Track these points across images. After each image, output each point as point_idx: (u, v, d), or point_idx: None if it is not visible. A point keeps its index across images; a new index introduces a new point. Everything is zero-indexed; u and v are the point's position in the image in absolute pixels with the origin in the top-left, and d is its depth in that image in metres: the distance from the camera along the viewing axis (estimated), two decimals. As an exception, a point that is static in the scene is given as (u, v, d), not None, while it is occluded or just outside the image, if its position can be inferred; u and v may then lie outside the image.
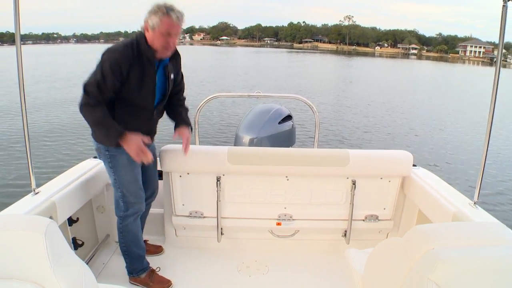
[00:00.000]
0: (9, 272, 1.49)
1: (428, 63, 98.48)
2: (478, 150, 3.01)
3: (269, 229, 3.64)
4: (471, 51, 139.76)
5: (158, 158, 3.41)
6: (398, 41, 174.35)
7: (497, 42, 2.79)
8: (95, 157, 3.69)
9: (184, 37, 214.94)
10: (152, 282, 3.17)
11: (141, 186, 3.05)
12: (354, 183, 3.47)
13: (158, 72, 2.83)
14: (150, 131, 3.02)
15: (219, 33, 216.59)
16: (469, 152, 12.59)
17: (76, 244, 3.27)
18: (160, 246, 3.66)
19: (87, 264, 3.05)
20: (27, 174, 2.90)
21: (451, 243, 1.57)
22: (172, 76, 2.97)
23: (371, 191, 3.55)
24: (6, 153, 10.54)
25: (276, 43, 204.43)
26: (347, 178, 3.49)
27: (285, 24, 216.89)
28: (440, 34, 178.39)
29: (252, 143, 4.40)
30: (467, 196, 3.14)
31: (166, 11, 2.61)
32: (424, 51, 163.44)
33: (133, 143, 2.67)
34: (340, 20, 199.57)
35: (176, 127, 3.13)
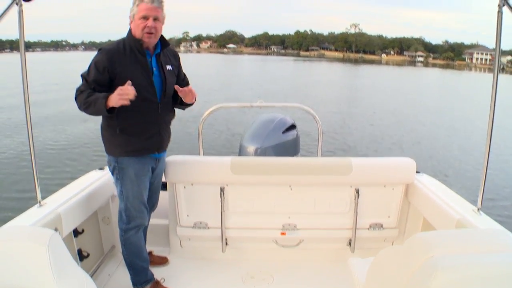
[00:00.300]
0: (12, 283, 1.50)
1: (435, 71, 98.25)
2: (482, 156, 3.00)
3: (274, 239, 3.64)
4: (477, 58, 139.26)
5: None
6: (404, 49, 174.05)
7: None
8: (100, 169, 3.73)
9: (192, 45, 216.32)
10: (157, 293, 3.19)
11: (144, 202, 3.08)
12: (357, 191, 3.46)
13: (153, 62, 2.92)
14: (158, 131, 3.01)
15: (226, 41, 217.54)
16: (474, 157, 12.54)
17: (81, 256, 3.28)
18: (165, 257, 3.66)
19: (92, 275, 3.07)
20: (32, 186, 2.93)
21: (452, 250, 1.56)
22: (168, 67, 3.01)
23: (375, 199, 3.54)
24: (12, 165, 10.60)
25: (283, 51, 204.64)
26: (351, 186, 3.48)
27: (292, 32, 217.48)
28: (446, 41, 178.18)
29: (256, 152, 4.41)
30: (471, 202, 3.13)
31: None
32: (431, 58, 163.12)
33: (115, 94, 2.64)
34: (346, 28, 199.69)
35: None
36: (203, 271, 3.54)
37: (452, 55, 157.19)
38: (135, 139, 2.89)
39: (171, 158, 3.43)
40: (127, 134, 2.83)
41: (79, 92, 2.78)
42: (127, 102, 2.62)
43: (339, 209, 3.56)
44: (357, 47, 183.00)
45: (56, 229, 2.69)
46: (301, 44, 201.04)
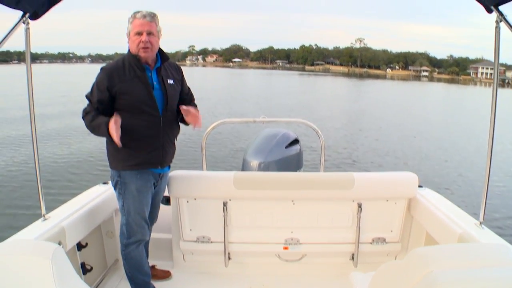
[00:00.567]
0: None
1: (440, 85, 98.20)
2: (483, 171, 3.03)
3: (276, 253, 3.64)
4: (482, 73, 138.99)
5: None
6: (409, 63, 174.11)
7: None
8: (104, 183, 3.76)
9: (197, 59, 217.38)
10: (159, 307, 3.21)
11: (145, 217, 3.11)
12: (360, 205, 3.48)
13: (153, 76, 2.98)
14: (161, 145, 3.04)
15: (232, 55, 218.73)
16: (476, 171, 12.51)
17: (84, 269, 3.30)
18: (168, 271, 3.67)
19: None
20: (37, 200, 2.97)
21: (452, 265, 1.57)
22: (169, 81, 3.06)
23: (377, 214, 3.55)
24: (17, 179, 10.64)
25: (288, 65, 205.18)
26: (353, 201, 3.50)
27: (297, 47, 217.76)
28: (451, 56, 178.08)
29: (259, 167, 4.43)
30: (474, 216, 3.15)
31: (133, 15, 2.88)
32: (436, 73, 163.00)
33: (109, 126, 2.73)
34: (351, 43, 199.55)
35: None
36: (206, 285, 3.55)
37: (457, 69, 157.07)
38: (137, 153, 2.93)
39: (175, 173, 3.46)
40: (130, 148, 2.87)
41: (85, 113, 2.92)
42: (116, 138, 2.71)
43: (341, 224, 3.57)
44: (362, 62, 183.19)
45: (60, 243, 2.73)
46: (306, 59, 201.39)
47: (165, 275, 3.63)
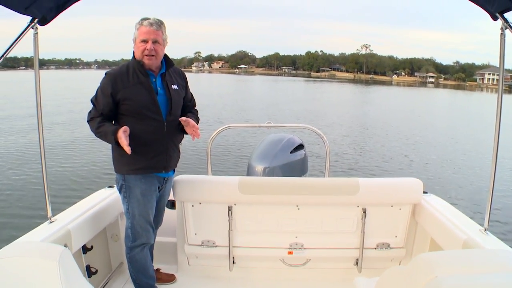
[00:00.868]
0: None
1: (446, 92, 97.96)
2: (489, 177, 3.03)
3: (281, 258, 3.65)
4: (489, 79, 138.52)
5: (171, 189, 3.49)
6: (415, 70, 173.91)
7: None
8: (110, 187, 3.80)
9: (203, 65, 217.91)
10: (163, 310, 3.23)
11: (150, 221, 3.14)
12: (364, 211, 3.48)
13: (157, 82, 3.02)
14: (165, 150, 3.07)
15: (238, 62, 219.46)
16: (481, 177, 12.44)
17: (89, 272, 3.32)
18: (173, 275, 3.68)
19: None
20: (43, 202, 3.01)
21: (456, 271, 1.57)
22: (174, 86, 3.09)
23: (382, 219, 3.54)
24: (24, 182, 10.76)
25: (294, 71, 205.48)
26: (358, 206, 3.50)
27: (303, 53, 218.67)
28: (457, 62, 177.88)
29: (264, 172, 4.44)
30: (478, 222, 3.14)
31: (140, 21, 2.91)
32: (442, 79, 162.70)
33: (117, 137, 2.78)
34: (357, 49, 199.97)
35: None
36: None
37: (463, 75, 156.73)
38: (141, 158, 2.96)
39: (180, 177, 3.48)
40: (134, 153, 2.87)
41: (90, 117, 2.97)
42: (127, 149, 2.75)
43: (346, 229, 3.57)
44: (368, 68, 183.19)
45: (65, 245, 2.74)
46: (312, 65, 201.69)
47: (169, 278, 3.64)
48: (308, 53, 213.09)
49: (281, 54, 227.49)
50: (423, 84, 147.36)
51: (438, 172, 13.44)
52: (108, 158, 3.14)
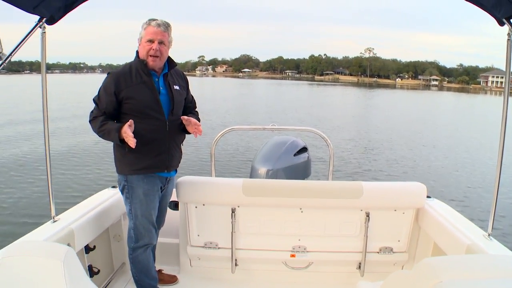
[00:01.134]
0: None
1: (450, 94, 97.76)
2: (494, 181, 3.01)
3: (283, 260, 3.64)
4: (493, 82, 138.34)
5: (174, 189, 3.49)
6: (419, 73, 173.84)
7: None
8: (113, 187, 3.81)
9: (207, 69, 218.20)
10: (165, 311, 3.23)
11: (153, 221, 3.14)
12: (368, 215, 3.47)
13: (160, 82, 3.04)
14: (167, 149, 3.08)
15: (241, 65, 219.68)
16: (485, 182, 12.39)
17: (92, 272, 3.33)
18: (175, 276, 3.68)
19: None
20: (47, 202, 3.03)
21: (460, 276, 1.57)
22: (175, 87, 3.11)
23: (385, 223, 3.53)
24: (28, 181, 10.88)
25: (298, 75, 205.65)
26: (361, 210, 3.49)
27: (306, 57, 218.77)
28: (461, 65, 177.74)
29: (268, 174, 4.44)
30: (482, 227, 3.13)
31: (148, 22, 2.93)
32: (446, 82, 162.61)
33: (122, 131, 2.79)
34: (360, 53, 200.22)
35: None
36: None
37: (467, 78, 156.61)
38: (144, 157, 2.96)
39: (184, 179, 3.49)
40: (136, 153, 2.89)
41: (92, 116, 2.98)
42: (131, 145, 2.75)
43: (349, 232, 3.56)
44: (371, 71, 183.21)
45: (68, 245, 2.75)
46: (315, 69, 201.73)
47: (171, 279, 3.64)
48: (311, 56, 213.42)
49: (284, 57, 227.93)
50: (427, 87, 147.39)
51: (442, 176, 13.40)
52: (111, 158, 3.15)
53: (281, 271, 3.67)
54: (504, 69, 2.86)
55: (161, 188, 3.17)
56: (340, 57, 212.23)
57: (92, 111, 2.99)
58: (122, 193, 3.10)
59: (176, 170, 3.31)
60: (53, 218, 3.01)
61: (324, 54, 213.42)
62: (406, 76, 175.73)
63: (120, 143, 2.85)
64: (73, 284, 1.57)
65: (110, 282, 3.57)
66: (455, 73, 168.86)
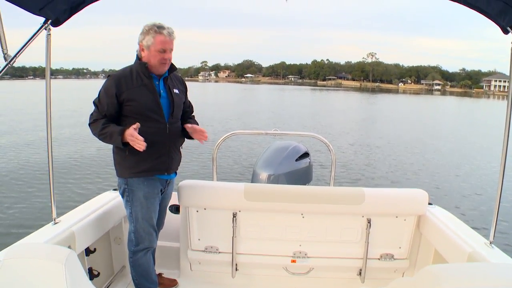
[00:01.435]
0: None
1: (452, 99, 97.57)
2: (495, 188, 3.00)
3: (284, 266, 3.63)
4: (495, 86, 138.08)
5: (175, 193, 3.51)
6: (421, 77, 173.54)
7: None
8: (114, 190, 3.81)
9: (210, 74, 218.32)
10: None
11: (153, 224, 3.15)
12: (369, 221, 3.46)
13: (160, 85, 3.05)
14: (167, 152, 3.09)
15: (244, 71, 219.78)
16: (488, 190, 12.30)
17: (92, 275, 3.34)
18: (175, 280, 3.68)
19: None
20: (48, 204, 3.04)
21: (462, 284, 1.57)
22: (175, 90, 3.14)
23: (386, 230, 3.53)
24: (30, 183, 10.96)
25: (300, 80, 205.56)
26: (362, 216, 3.49)
27: (309, 62, 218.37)
28: (463, 69, 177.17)
29: (269, 179, 4.45)
30: (484, 235, 3.12)
31: (158, 30, 2.90)
32: (448, 86, 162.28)
33: (128, 133, 2.80)
34: (363, 57, 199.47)
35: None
36: None
37: (469, 83, 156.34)
38: (144, 160, 2.96)
39: (185, 182, 3.50)
40: (137, 155, 2.90)
41: (93, 119, 2.97)
42: (139, 148, 2.76)
43: (350, 238, 3.55)
44: (374, 76, 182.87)
45: (69, 247, 2.76)
46: (318, 74, 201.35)
47: (171, 283, 3.64)
48: (314, 61, 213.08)
49: (287, 63, 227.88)
50: (430, 91, 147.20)
51: (445, 182, 13.34)
52: (112, 161, 3.17)
53: (281, 276, 3.66)
54: (507, 73, 2.84)
55: (161, 190, 3.19)
56: (342, 62, 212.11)
57: (92, 114, 2.99)
58: (123, 196, 3.11)
59: (176, 173, 3.32)
60: (54, 220, 3.02)
61: (327, 59, 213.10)
62: (409, 80, 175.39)
63: (123, 146, 2.86)
64: (74, 286, 1.58)
65: (110, 285, 3.58)
66: (457, 78, 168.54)
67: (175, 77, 3.22)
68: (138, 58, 3.02)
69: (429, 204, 3.64)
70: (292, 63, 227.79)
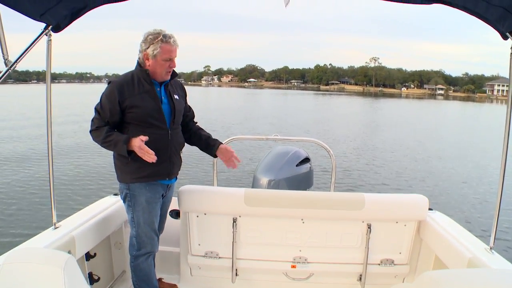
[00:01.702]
0: None
1: (455, 103, 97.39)
2: (496, 194, 3.00)
3: (284, 271, 3.63)
4: (498, 90, 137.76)
5: (176, 198, 3.51)
6: (424, 82, 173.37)
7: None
8: (115, 195, 3.83)
9: (213, 79, 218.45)
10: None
11: (155, 229, 3.16)
12: (369, 226, 3.46)
13: (161, 92, 3.08)
14: (168, 157, 3.11)
15: (247, 75, 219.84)
16: (488, 195, 12.28)
17: (92, 279, 3.35)
18: (175, 285, 3.68)
19: None
20: (49, 208, 3.05)
21: None
22: (175, 96, 3.16)
23: (386, 235, 3.52)
24: (30, 188, 11.00)
25: (303, 85, 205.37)
26: (363, 221, 3.48)
27: (312, 66, 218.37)
28: (466, 73, 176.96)
29: (269, 184, 4.46)
30: (484, 241, 3.12)
31: (163, 38, 2.90)
32: (451, 91, 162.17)
33: (136, 145, 2.82)
34: (366, 62, 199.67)
35: (214, 146, 3.38)
36: None
37: (472, 87, 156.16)
38: (146, 166, 2.96)
39: (186, 188, 3.51)
40: (139, 161, 2.91)
41: (94, 126, 2.98)
42: (148, 159, 2.81)
43: (350, 244, 3.55)
44: (377, 81, 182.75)
45: (69, 252, 2.77)
46: (321, 78, 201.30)
47: None
48: (317, 66, 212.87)
49: (290, 67, 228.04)
50: (433, 96, 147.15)
51: (446, 188, 13.31)
52: (113, 166, 3.19)
53: (281, 281, 3.66)
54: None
55: (162, 195, 3.20)
56: (345, 66, 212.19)
57: (93, 120, 3.00)
58: (124, 201, 3.12)
59: (176, 177, 3.34)
60: (54, 225, 3.03)
61: (330, 64, 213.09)
62: (412, 85, 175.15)
63: (127, 155, 2.88)
64: None
65: None
66: (460, 82, 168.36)
67: (174, 83, 3.25)
68: (139, 64, 3.03)
69: (430, 209, 3.64)
70: (295, 68, 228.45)
